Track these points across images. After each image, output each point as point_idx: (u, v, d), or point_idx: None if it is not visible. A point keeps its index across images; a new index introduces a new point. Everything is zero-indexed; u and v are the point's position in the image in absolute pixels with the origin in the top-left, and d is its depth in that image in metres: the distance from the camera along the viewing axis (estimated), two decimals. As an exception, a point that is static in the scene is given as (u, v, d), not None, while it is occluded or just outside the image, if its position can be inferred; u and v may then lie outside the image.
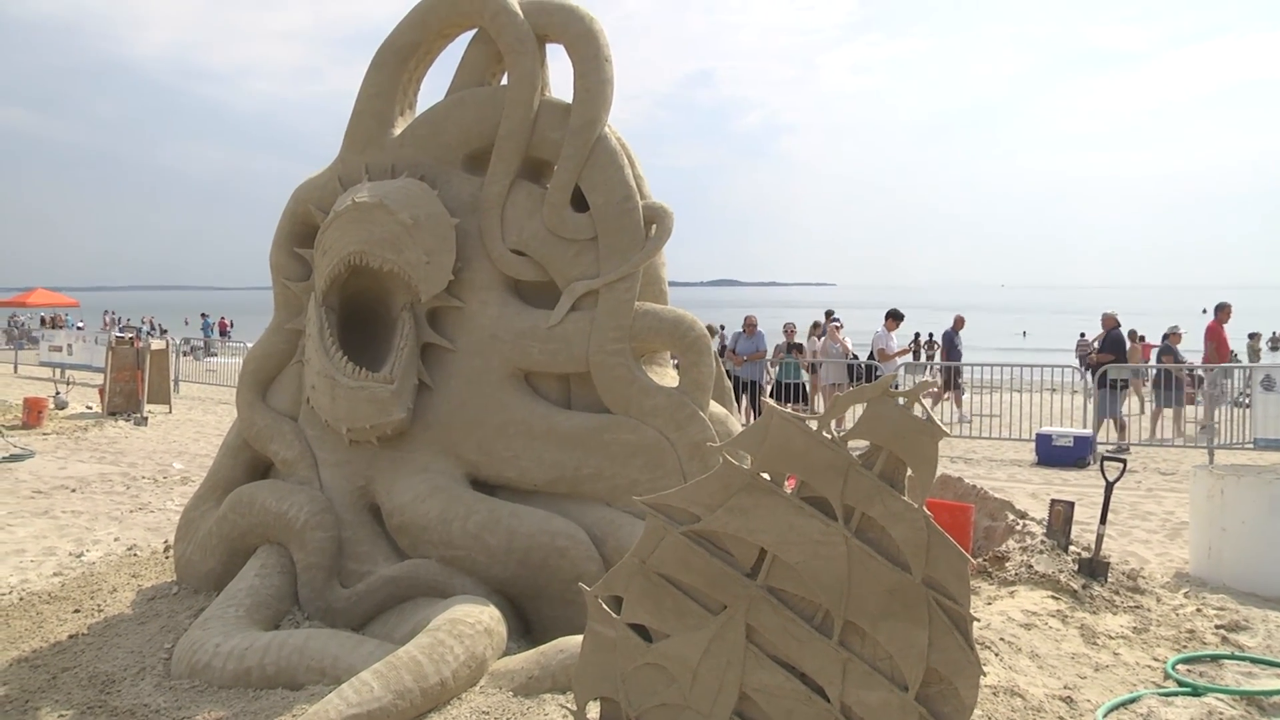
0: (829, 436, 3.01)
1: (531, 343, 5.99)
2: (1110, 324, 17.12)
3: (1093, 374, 16.17)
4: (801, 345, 17.71)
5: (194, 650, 5.20)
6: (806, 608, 3.06)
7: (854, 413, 13.49)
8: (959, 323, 20.15)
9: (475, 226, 6.21)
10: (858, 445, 3.08)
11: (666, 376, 6.28)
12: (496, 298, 6.15)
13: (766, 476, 3.11)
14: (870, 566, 2.96)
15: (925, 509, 2.92)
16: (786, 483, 3.12)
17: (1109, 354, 16.42)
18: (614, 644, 3.32)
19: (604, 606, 3.34)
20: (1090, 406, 15.56)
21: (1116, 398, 15.98)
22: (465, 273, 6.15)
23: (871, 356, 17.88)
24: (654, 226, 6.03)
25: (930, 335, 32.36)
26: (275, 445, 6.40)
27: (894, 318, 18.06)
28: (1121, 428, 16.03)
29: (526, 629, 5.70)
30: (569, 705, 4.30)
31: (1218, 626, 6.44)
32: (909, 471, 2.99)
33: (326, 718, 4.17)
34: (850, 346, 18.57)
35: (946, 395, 18.56)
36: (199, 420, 18.23)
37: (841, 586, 2.98)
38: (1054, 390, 19.16)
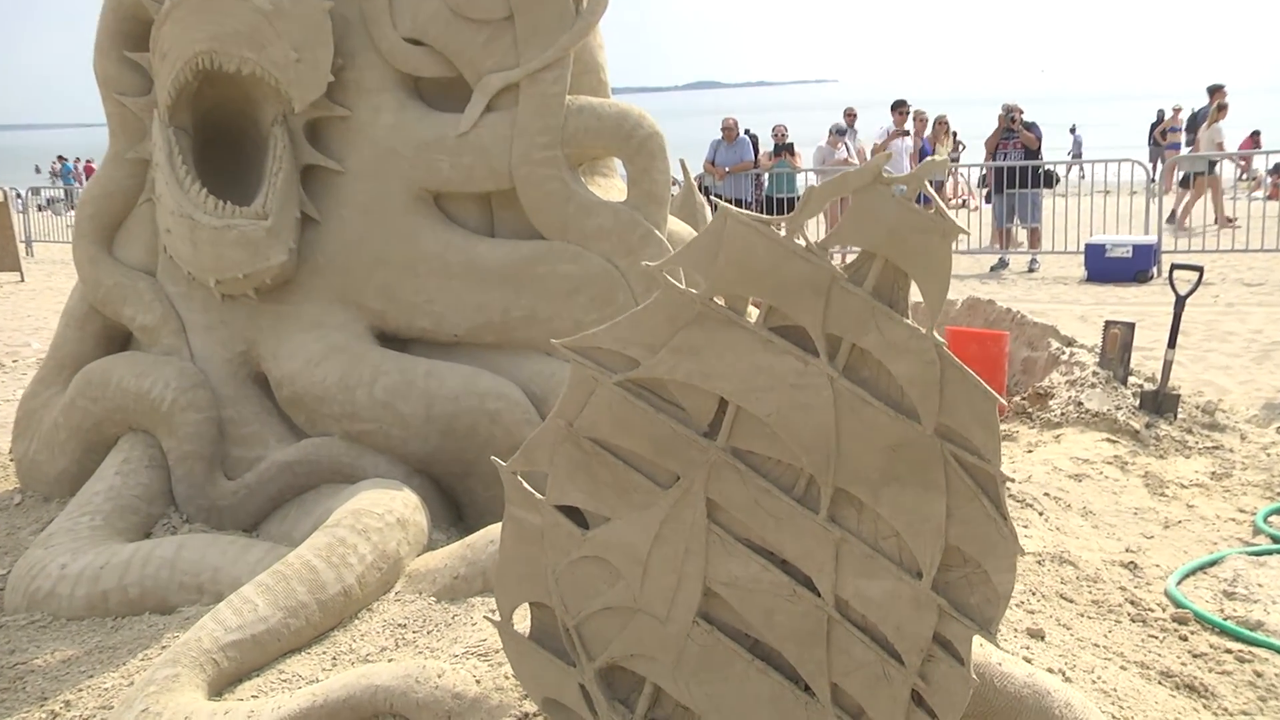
0: (803, 244, 2.68)
1: (439, 156, 5.73)
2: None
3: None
4: (793, 146, 17.26)
5: (33, 576, 4.99)
6: (784, 475, 2.81)
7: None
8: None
9: (357, 12, 5.84)
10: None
11: (613, 190, 6.08)
12: (392, 102, 5.85)
13: (722, 302, 2.80)
14: (865, 416, 2.67)
15: (938, 335, 2.62)
16: (750, 309, 2.83)
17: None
18: (540, 533, 3.08)
19: (525, 486, 3.09)
20: (1153, 209, 15.44)
21: (1036, 200, 16.41)
22: (349, 72, 5.81)
23: None
24: (585, -1, 5.68)
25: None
26: (129, 309, 6.13)
27: (899, 109, 17.80)
28: (1034, 237, 16.76)
29: (459, 516, 5.65)
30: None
31: (1321, 467, 6.38)
32: (913, 286, 2.68)
33: (200, 648, 3.93)
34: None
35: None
36: (61, 288, 17.62)
37: (828, 444, 2.71)
38: (1107, 192, 18.88)
